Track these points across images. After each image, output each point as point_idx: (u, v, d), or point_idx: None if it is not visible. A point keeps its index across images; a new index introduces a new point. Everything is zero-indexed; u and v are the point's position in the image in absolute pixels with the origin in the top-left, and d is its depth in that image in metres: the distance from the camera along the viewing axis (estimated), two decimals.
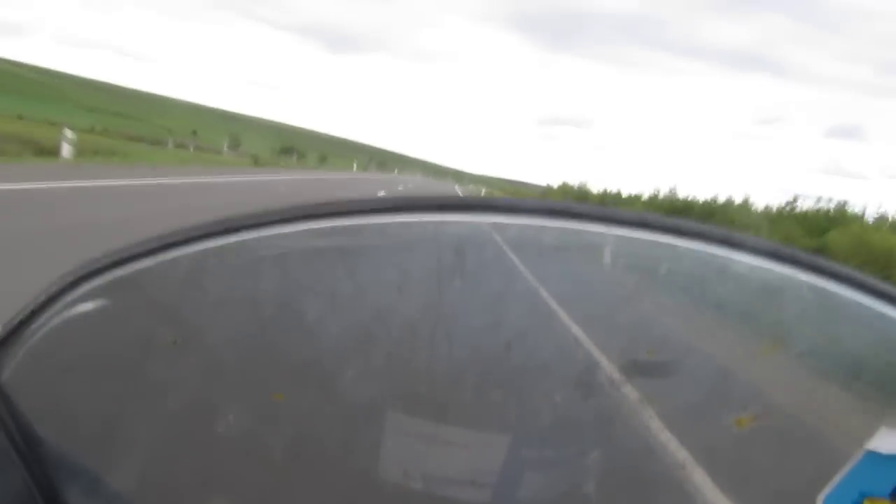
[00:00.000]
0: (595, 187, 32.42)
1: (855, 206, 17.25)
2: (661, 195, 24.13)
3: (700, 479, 0.78)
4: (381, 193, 21.51)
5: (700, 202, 21.99)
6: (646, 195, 25.19)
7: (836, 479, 0.59)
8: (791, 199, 18.42)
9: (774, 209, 18.72)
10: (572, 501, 0.73)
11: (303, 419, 0.74)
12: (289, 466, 0.73)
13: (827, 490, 0.59)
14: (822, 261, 0.64)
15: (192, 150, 40.27)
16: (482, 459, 0.71)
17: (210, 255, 0.69)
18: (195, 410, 0.73)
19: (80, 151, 17.99)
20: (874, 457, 0.58)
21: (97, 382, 0.73)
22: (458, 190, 51.35)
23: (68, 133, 17.62)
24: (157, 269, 0.68)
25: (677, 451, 0.76)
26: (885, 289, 0.62)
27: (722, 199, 21.64)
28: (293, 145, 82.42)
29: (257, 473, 0.73)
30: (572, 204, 0.69)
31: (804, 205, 18.12)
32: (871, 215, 16.34)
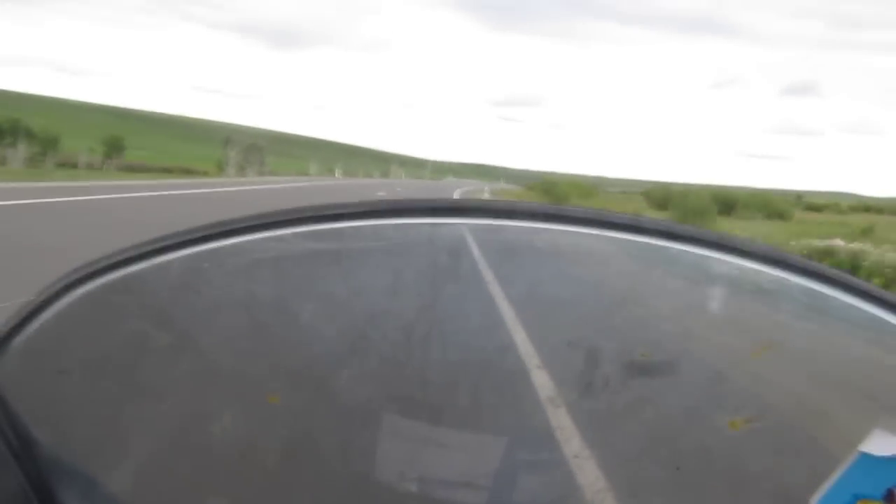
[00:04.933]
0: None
1: None
2: None
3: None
4: None
5: None
6: None
7: (830, 481, 0.59)
8: None
9: None
10: None
11: (298, 422, 0.74)
12: (284, 469, 0.73)
13: (820, 492, 0.59)
14: (813, 264, 0.64)
15: None
16: (477, 462, 0.71)
17: (205, 259, 0.69)
18: (190, 413, 0.74)
19: None
20: (867, 459, 0.58)
21: (93, 385, 0.73)
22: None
23: None
24: (153, 273, 0.69)
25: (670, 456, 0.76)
26: (875, 291, 0.63)
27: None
28: (122, 134, 45.50)
29: (253, 476, 0.73)
30: (567, 207, 0.69)
31: None
32: None
